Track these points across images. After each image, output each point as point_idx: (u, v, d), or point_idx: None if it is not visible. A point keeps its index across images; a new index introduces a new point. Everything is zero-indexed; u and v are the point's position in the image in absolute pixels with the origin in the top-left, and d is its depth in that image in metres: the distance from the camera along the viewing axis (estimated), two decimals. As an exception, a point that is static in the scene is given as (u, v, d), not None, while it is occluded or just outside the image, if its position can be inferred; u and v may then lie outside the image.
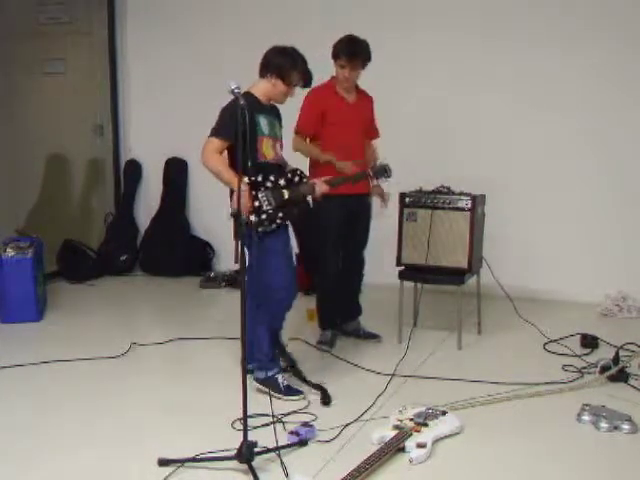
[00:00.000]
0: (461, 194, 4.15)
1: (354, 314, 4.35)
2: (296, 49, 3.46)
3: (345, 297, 4.28)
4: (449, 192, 4.18)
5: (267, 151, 3.39)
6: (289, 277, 3.45)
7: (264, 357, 3.45)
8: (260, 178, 3.30)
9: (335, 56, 3.97)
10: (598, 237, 5.08)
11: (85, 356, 4.02)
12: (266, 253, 3.28)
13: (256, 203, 3.27)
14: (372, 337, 4.28)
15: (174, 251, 6.09)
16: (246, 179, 3.20)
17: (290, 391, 3.41)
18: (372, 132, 4.29)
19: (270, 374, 3.41)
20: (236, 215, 3.01)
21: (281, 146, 3.54)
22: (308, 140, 4.07)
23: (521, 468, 2.83)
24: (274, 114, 3.52)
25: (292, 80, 3.41)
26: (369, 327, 4.34)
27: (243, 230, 2.81)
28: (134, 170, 6.43)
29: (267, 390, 3.24)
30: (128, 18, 6.28)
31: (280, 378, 3.44)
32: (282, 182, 3.37)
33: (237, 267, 2.77)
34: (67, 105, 6.29)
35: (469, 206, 4.10)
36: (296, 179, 3.44)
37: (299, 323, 4.73)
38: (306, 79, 3.48)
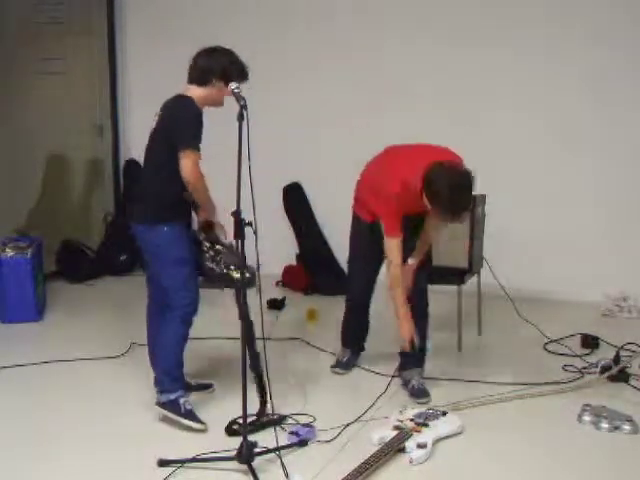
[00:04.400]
0: (461, 194, 4.14)
1: (407, 360, 3.62)
2: (220, 46, 3.29)
3: None
4: (449, 192, 4.17)
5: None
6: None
7: (166, 376, 3.20)
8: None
9: (432, 203, 3.17)
10: (598, 237, 5.07)
11: (85, 356, 4.02)
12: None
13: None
14: (420, 396, 3.50)
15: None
16: None
17: (192, 416, 3.14)
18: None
19: (172, 397, 3.16)
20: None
21: None
22: None
23: (521, 468, 2.84)
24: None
25: (234, 78, 3.15)
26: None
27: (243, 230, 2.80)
28: (134, 170, 6.43)
29: (168, 414, 3.14)
30: (128, 18, 6.27)
31: (182, 400, 3.17)
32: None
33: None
34: (67, 105, 6.28)
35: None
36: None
37: (299, 323, 4.73)
38: (243, 74, 3.23)
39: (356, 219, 3.68)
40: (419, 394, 3.49)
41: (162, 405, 3.19)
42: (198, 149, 3.10)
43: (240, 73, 3.21)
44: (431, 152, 3.39)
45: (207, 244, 3.25)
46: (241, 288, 2.81)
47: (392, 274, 3.39)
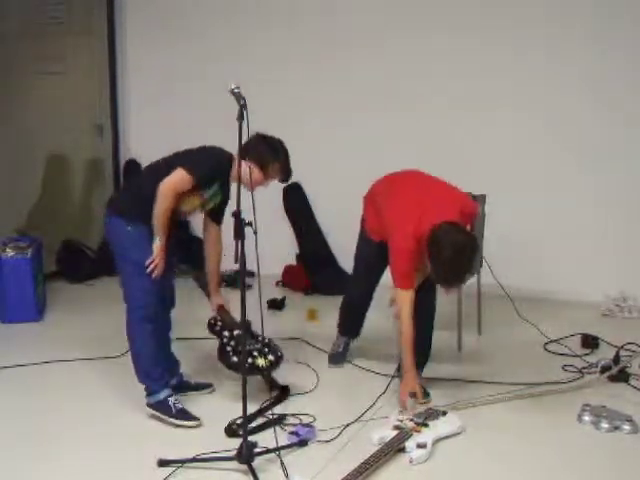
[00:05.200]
0: (461, 194, 4.14)
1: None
2: (282, 141, 3.34)
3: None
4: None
5: (187, 204, 3.23)
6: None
7: (147, 378, 3.25)
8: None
9: (431, 262, 3.10)
10: (599, 237, 5.08)
11: (85, 356, 4.02)
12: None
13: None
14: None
15: (173, 251, 6.08)
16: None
17: (184, 415, 3.18)
18: None
19: (161, 398, 3.20)
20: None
21: (205, 209, 3.35)
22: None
23: (522, 468, 2.83)
24: (224, 188, 3.31)
25: (271, 172, 3.27)
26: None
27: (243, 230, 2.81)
28: (134, 170, 6.43)
29: (160, 416, 3.18)
30: (128, 18, 6.28)
31: (172, 400, 3.20)
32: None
33: (237, 267, 2.76)
34: (67, 105, 6.28)
35: (469, 206, 4.09)
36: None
37: (299, 323, 4.73)
38: (285, 174, 3.33)
39: (364, 233, 3.69)
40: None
41: (152, 407, 3.23)
42: (193, 177, 3.09)
43: (280, 169, 3.28)
44: (445, 201, 3.28)
45: (227, 334, 3.34)
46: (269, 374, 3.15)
47: (403, 324, 3.30)
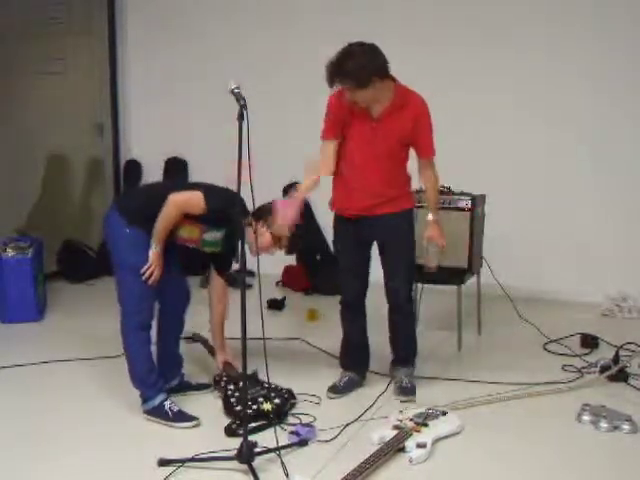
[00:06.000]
0: (461, 194, 4.15)
1: (396, 360, 3.63)
2: None
3: (392, 338, 3.61)
4: (449, 192, 4.17)
5: (185, 230, 3.20)
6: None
7: (142, 385, 3.26)
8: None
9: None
10: (599, 237, 5.07)
11: (85, 356, 4.02)
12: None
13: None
14: (406, 394, 3.45)
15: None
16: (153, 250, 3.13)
17: (182, 417, 3.17)
18: (420, 151, 3.49)
19: (157, 403, 3.20)
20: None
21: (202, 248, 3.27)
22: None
23: (521, 468, 2.84)
24: (230, 242, 3.21)
25: (282, 240, 3.30)
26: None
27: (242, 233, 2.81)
28: (134, 170, 6.43)
29: (158, 421, 3.17)
30: (128, 18, 6.28)
31: (167, 404, 3.19)
32: None
33: (237, 267, 2.76)
34: (67, 105, 6.27)
35: (469, 206, 4.10)
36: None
37: (299, 323, 4.73)
38: (294, 247, 3.42)
39: (337, 220, 3.54)
40: (405, 392, 3.45)
41: (149, 413, 3.22)
42: (207, 204, 3.09)
43: (290, 239, 3.31)
44: None
45: (231, 387, 3.32)
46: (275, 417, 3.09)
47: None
